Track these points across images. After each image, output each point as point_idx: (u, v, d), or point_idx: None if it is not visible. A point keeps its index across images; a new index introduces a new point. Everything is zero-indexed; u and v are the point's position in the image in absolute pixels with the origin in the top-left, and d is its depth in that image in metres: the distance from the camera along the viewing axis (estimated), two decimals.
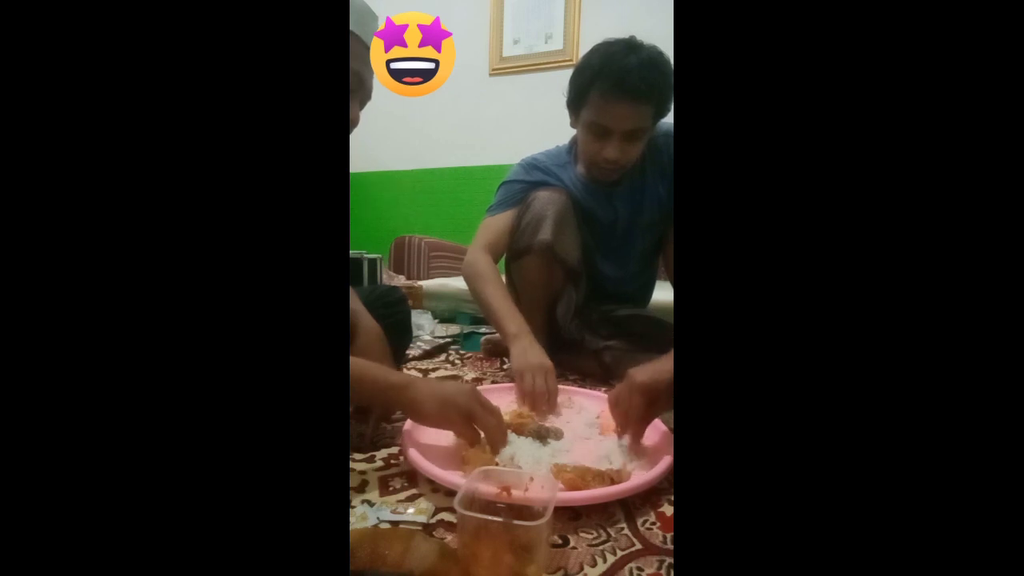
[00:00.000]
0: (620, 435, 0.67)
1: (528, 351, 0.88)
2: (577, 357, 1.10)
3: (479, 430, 0.62)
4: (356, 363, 0.59)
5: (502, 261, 1.11)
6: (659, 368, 0.64)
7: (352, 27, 0.57)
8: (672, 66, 0.92)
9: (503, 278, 1.06)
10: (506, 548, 0.39)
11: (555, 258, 1.01)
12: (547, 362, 0.86)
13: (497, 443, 0.61)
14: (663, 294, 1.26)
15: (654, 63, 0.91)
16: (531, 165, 1.12)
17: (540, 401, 0.80)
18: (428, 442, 0.65)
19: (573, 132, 1.08)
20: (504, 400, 0.83)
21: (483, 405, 0.62)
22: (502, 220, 1.08)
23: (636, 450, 0.65)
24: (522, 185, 1.09)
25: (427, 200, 2.66)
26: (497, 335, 1.32)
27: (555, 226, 1.00)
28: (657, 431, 0.71)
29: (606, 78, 0.91)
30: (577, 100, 0.98)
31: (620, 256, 1.14)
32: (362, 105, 0.64)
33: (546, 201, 1.02)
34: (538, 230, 1.00)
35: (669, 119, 1.02)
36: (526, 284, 1.06)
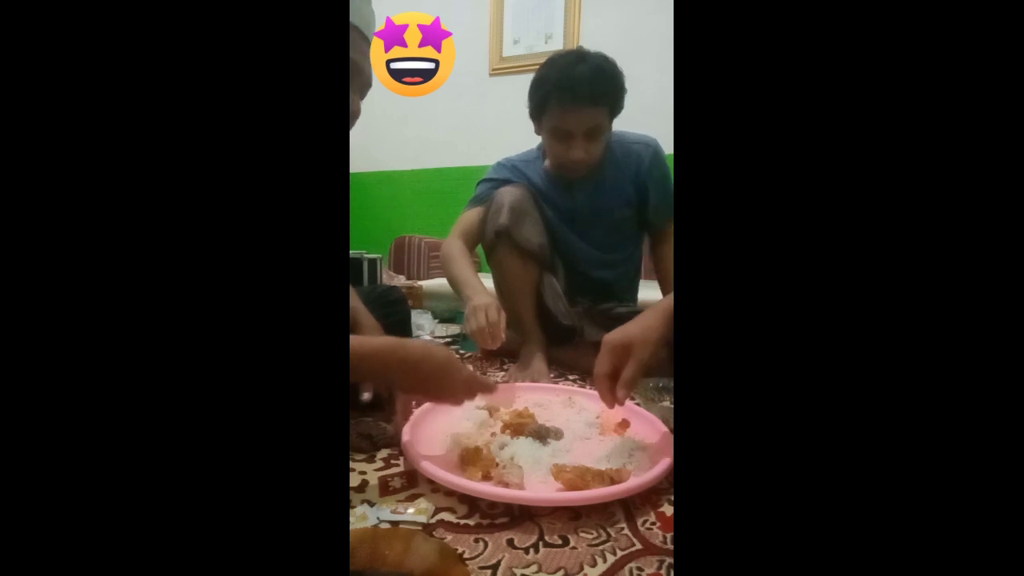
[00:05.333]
0: (609, 405, 0.66)
1: (474, 298, 0.97)
2: (578, 354, 1.12)
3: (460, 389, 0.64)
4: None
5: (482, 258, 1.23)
6: (628, 328, 0.67)
7: (351, 19, 0.57)
8: (619, 69, 1.06)
9: (479, 272, 1.15)
10: None
11: (515, 242, 1.11)
12: (488, 299, 0.96)
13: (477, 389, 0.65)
14: (657, 294, 1.27)
15: (601, 69, 1.03)
16: (501, 164, 1.26)
17: (487, 334, 0.92)
18: (428, 442, 0.65)
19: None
20: (504, 400, 0.83)
21: (457, 359, 0.64)
22: (473, 214, 1.21)
23: (612, 400, 0.66)
24: (492, 183, 1.23)
25: (427, 200, 2.66)
26: None
27: (511, 212, 1.11)
28: (657, 431, 0.71)
29: (560, 89, 1.03)
30: (538, 110, 1.09)
31: (593, 239, 1.22)
32: (362, 95, 0.64)
33: (503, 194, 1.14)
34: (497, 217, 1.12)
35: (670, 135, 1.05)
36: (502, 274, 1.16)
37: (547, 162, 1.19)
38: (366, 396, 0.71)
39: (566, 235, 1.21)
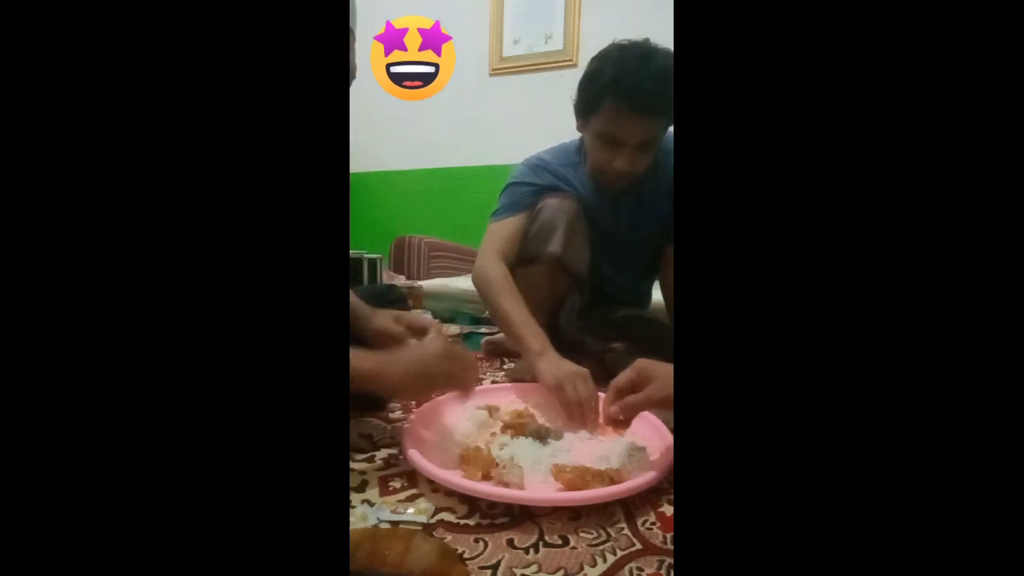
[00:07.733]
0: (604, 420, 0.68)
1: (560, 363, 0.81)
2: (578, 359, 1.09)
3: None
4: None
5: None
6: (663, 365, 0.65)
7: None
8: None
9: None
10: None
11: (564, 269, 0.99)
12: (582, 369, 0.78)
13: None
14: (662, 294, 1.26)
15: (668, 72, 0.83)
16: (538, 166, 1.06)
17: (588, 409, 0.72)
18: (428, 442, 0.65)
19: (576, 132, 1.05)
20: (504, 400, 0.83)
21: (457, 362, 0.67)
22: (512, 225, 1.01)
23: (612, 421, 0.67)
24: (531, 188, 1.04)
25: (427, 200, 2.66)
26: (498, 335, 1.33)
27: (566, 237, 0.97)
28: (657, 432, 0.71)
29: (620, 91, 0.85)
30: (587, 108, 0.93)
31: (620, 264, 1.13)
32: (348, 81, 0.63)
33: (556, 210, 0.98)
34: (548, 241, 0.97)
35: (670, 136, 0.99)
36: (531, 291, 1.02)
37: (589, 169, 1.01)
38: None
39: (600, 256, 1.07)
